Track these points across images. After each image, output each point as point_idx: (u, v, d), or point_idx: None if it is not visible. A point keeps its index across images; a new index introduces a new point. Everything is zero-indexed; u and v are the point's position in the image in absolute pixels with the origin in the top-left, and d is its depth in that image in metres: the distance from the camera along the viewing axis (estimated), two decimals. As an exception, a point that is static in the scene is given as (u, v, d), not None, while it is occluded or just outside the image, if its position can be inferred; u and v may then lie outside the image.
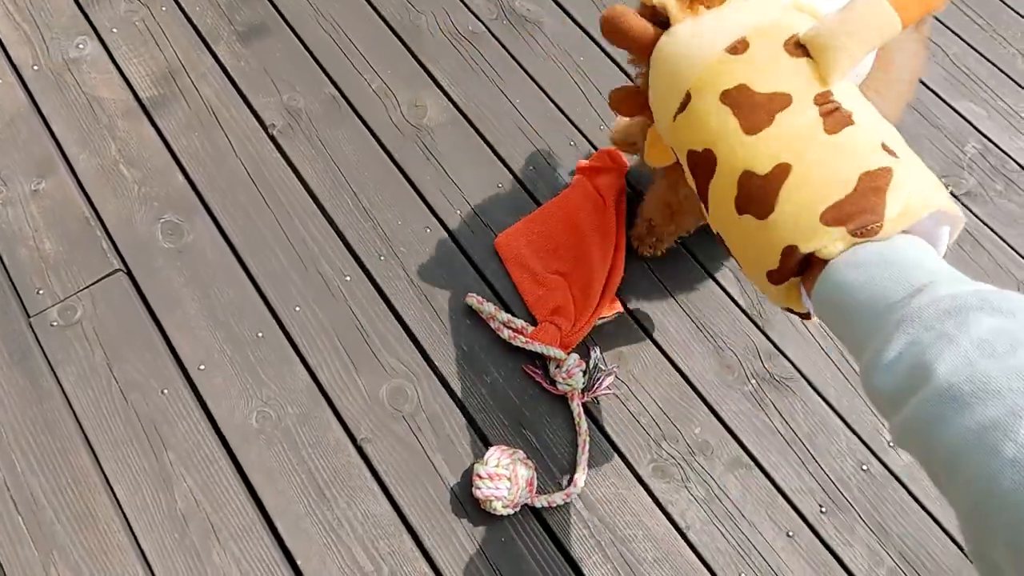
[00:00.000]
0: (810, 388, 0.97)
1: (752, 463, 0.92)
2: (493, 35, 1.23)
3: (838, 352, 1.00)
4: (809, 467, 0.92)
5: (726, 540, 0.88)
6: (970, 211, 1.13)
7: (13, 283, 0.99)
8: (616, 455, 0.92)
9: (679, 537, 0.88)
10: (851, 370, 0.99)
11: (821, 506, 0.90)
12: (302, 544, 0.85)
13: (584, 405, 0.93)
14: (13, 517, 0.85)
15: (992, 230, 1.11)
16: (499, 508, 0.84)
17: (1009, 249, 1.10)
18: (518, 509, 0.86)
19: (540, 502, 0.86)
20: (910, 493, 0.91)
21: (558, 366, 0.93)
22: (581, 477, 0.89)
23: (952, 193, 1.14)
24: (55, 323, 0.96)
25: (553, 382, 0.93)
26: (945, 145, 1.19)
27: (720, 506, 0.90)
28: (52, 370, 0.93)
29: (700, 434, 0.94)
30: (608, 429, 0.93)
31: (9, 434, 0.90)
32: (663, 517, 0.89)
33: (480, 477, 0.84)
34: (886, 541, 0.89)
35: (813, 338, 1.01)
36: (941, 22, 1.32)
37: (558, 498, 0.87)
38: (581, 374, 0.92)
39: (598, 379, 0.94)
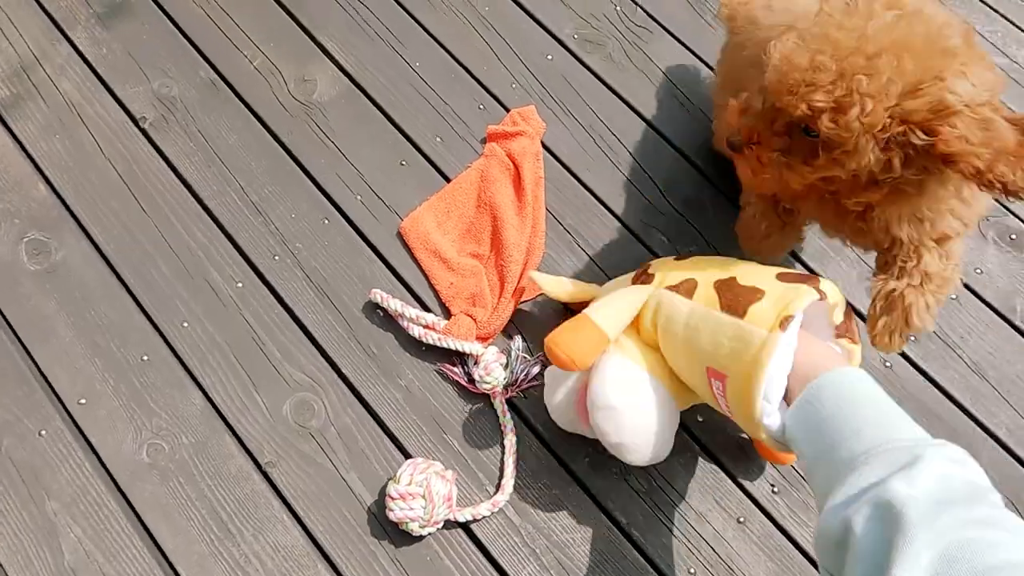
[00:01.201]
0: (756, 356, 0.89)
1: (697, 446, 0.85)
2: (387, -8, 1.10)
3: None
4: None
5: (672, 534, 0.81)
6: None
7: None
8: (548, 452, 0.84)
9: (621, 536, 0.81)
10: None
11: (773, 486, 0.83)
12: (208, 586, 0.77)
13: (510, 401, 0.85)
14: None
15: (948, 160, 1.02)
16: (416, 529, 0.76)
17: (966, 180, 1.00)
18: (440, 526, 0.78)
19: (464, 515, 0.78)
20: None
21: (476, 362, 0.84)
22: (509, 482, 0.81)
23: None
24: (-88, 368, 0.86)
25: (472, 380, 0.84)
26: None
27: (664, 497, 0.82)
28: (-86, 421, 0.84)
29: (639, 419, 0.85)
30: (539, 425, 0.85)
31: None
32: (603, 516, 0.81)
33: (392, 498, 0.76)
34: (845, 516, 0.82)
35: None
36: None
37: (484, 509, 0.79)
38: (501, 368, 0.84)
39: (523, 371, 0.85)
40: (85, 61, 1.04)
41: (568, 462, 0.83)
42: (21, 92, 1.01)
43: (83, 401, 0.85)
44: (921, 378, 0.89)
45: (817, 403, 0.58)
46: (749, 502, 0.82)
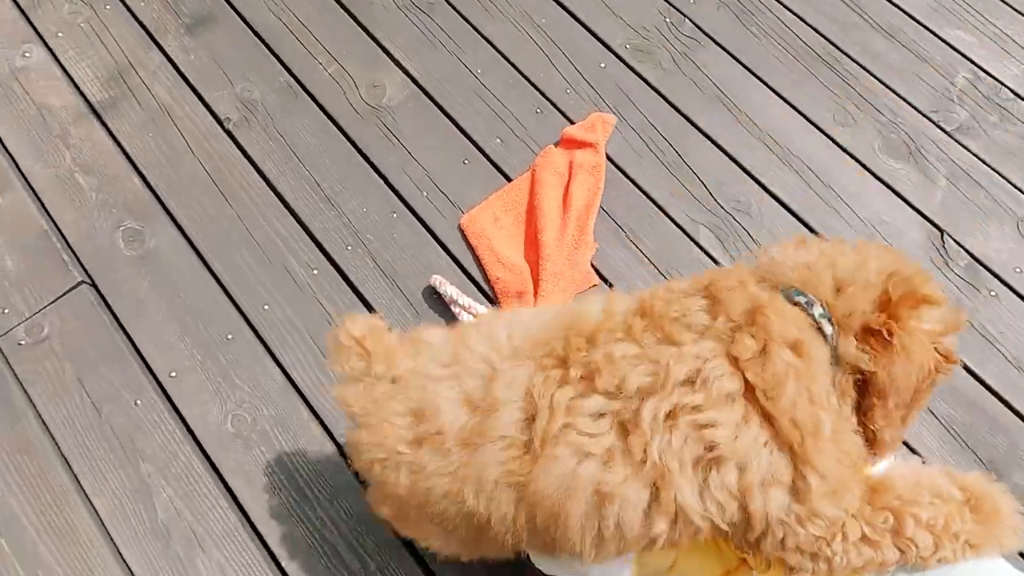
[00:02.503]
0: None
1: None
2: (448, 2, 1.18)
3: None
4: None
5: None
6: (963, 146, 1.07)
7: (-23, 304, 0.97)
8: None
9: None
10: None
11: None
12: (287, 546, 0.84)
13: None
14: (-5, 540, 0.85)
15: (987, 164, 1.06)
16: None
17: (1006, 183, 1.04)
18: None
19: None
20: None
21: None
22: None
23: (942, 129, 1.08)
24: (23, 342, 0.94)
25: None
26: (934, 78, 1.12)
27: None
28: (23, 389, 0.92)
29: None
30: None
31: (-15, 457, 0.89)
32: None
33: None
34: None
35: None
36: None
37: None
38: None
39: None
40: (175, 67, 1.13)
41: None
42: (118, 95, 1.11)
43: (173, 375, 0.93)
44: (963, 371, 0.92)
45: None
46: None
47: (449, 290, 0.93)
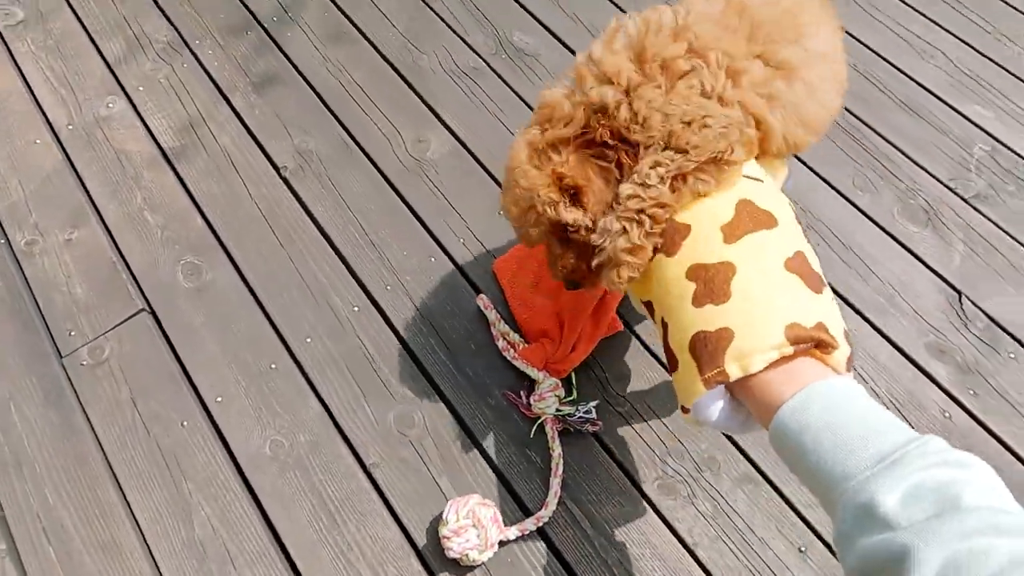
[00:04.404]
0: (819, 400, 0.96)
1: (761, 478, 0.91)
2: (493, 69, 1.28)
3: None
4: (820, 480, 0.91)
5: (735, 556, 0.87)
6: (980, 213, 1.11)
7: (48, 326, 1.06)
8: (621, 472, 0.92)
9: (687, 554, 0.87)
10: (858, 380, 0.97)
11: (834, 520, 0.88)
12: (314, 568, 0.87)
13: (566, 430, 0.93)
14: (44, 547, 0.90)
15: (1005, 231, 1.09)
16: (477, 557, 0.84)
17: (1023, 249, 1.07)
18: (495, 548, 0.85)
19: (512, 533, 0.86)
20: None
21: (533, 388, 0.94)
22: (553, 500, 0.89)
23: (960, 196, 1.12)
24: (85, 362, 1.02)
25: (529, 404, 0.94)
26: (952, 149, 1.17)
27: (729, 522, 0.89)
28: (82, 408, 0.99)
29: (707, 449, 0.93)
30: (612, 446, 0.93)
31: (43, 469, 0.95)
32: (670, 534, 0.88)
33: (447, 538, 0.84)
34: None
35: (821, 349, 1.00)
36: (942, 27, 1.31)
37: (529, 524, 0.87)
38: (555, 399, 0.92)
39: (580, 420, 0.92)
40: (240, 120, 1.24)
41: (640, 483, 0.91)
42: (188, 143, 1.22)
43: (219, 400, 0.99)
44: (981, 431, 0.93)
45: (802, 416, 0.55)
46: (810, 533, 0.88)
47: (491, 314, 0.99)
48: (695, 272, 0.61)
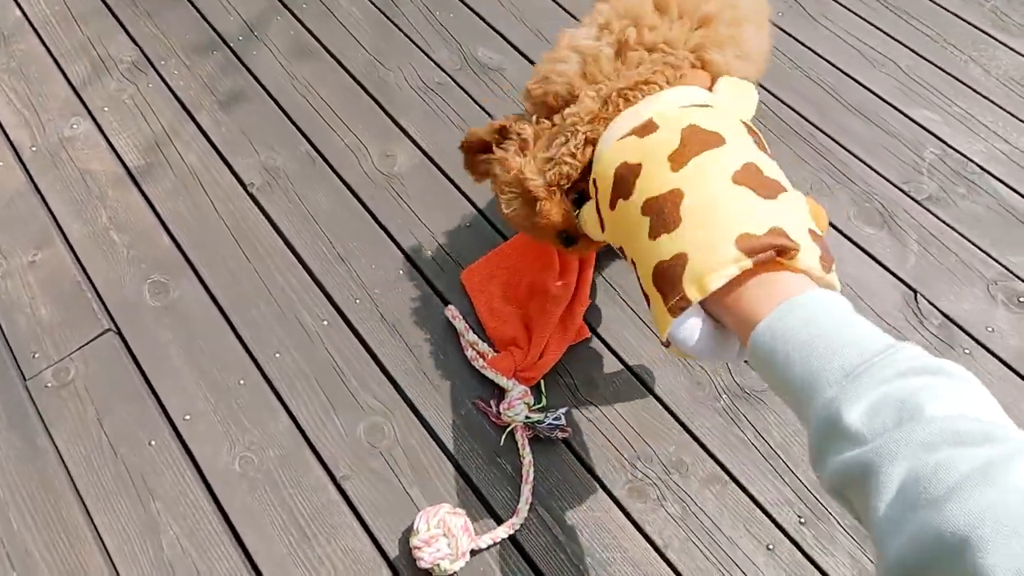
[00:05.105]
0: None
1: (728, 478, 0.93)
2: (458, 84, 1.30)
3: (809, 362, 1.01)
4: (786, 478, 0.92)
5: (705, 557, 0.88)
6: (933, 214, 1.14)
7: (11, 349, 1.04)
8: (591, 477, 0.93)
9: (658, 557, 0.88)
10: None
11: (800, 517, 0.90)
12: (285, 584, 0.87)
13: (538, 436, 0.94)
14: (8, 573, 0.88)
15: (957, 232, 1.12)
16: (449, 567, 0.84)
17: (975, 249, 1.11)
18: (467, 558, 0.85)
19: (484, 541, 0.86)
20: (891, 498, 0.90)
21: (503, 396, 0.95)
22: (524, 508, 0.89)
23: (912, 198, 1.16)
24: (49, 384, 1.01)
25: (498, 413, 0.95)
26: (903, 153, 1.21)
27: (698, 523, 0.90)
28: (47, 429, 0.98)
29: (674, 452, 0.94)
30: (581, 452, 0.94)
31: (6, 492, 0.93)
32: (640, 537, 0.89)
33: (419, 548, 0.83)
34: (869, 548, 0.88)
35: (783, 350, 1.02)
36: (892, 36, 1.36)
37: (501, 532, 0.87)
38: (524, 407, 0.93)
39: (550, 427, 0.93)
40: (206, 137, 1.24)
41: (610, 487, 0.92)
42: (153, 162, 1.22)
43: (187, 417, 0.98)
44: (939, 424, 0.96)
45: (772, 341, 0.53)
46: (777, 531, 0.89)
47: (459, 324, 1.00)
48: (648, 206, 0.61)
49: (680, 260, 0.58)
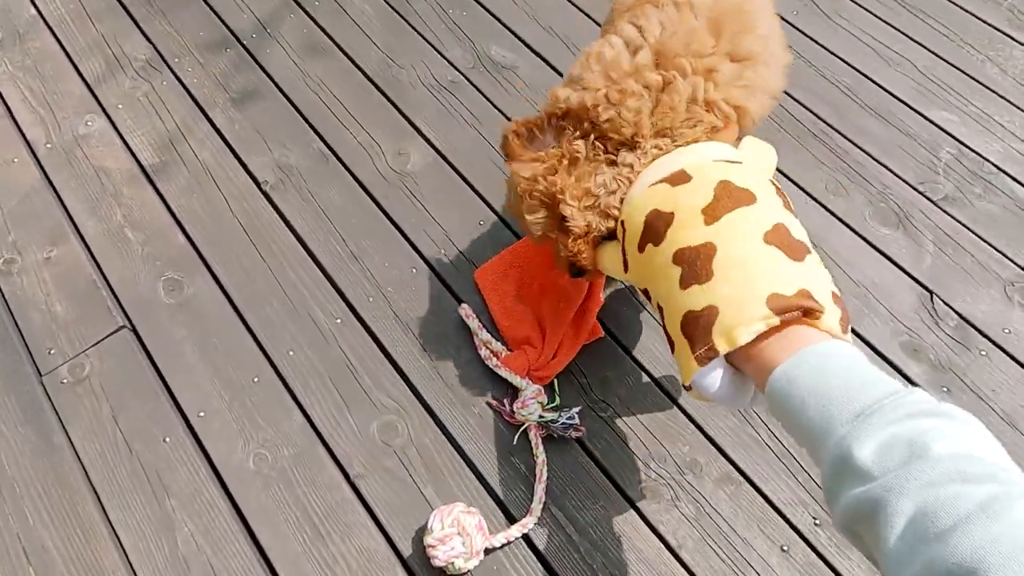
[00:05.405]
0: (798, 400, 0.97)
1: (742, 478, 0.92)
2: (471, 83, 1.30)
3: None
4: (800, 479, 0.92)
5: (720, 558, 0.87)
6: (949, 215, 1.14)
7: (27, 345, 1.05)
8: (604, 477, 0.93)
9: (672, 557, 0.88)
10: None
11: (815, 518, 0.89)
12: (299, 582, 0.87)
13: (551, 436, 0.94)
14: (25, 568, 0.89)
15: (974, 232, 1.12)
16: (463, 566, 0.83)
17: (992, 249, 1.10)
18: (481, 556, 0.85)
19: (498, 540, 0.86)
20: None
21: (516, 395, 0.95)
22: (537, 507, 0.89)
23: (929, 198, 1.15)
24: (65, 380, 1.01)
25: (512, 412, 0.95)
26: (920, 153, 1.20)
27: (712, 523, 0.89)
28: (62, 425, 0.98)
29: (688, 452, 0.94)
30: (595, 451, 0.94)
31: (22, 488, 0.94)
32: (655, 538, 0.89)
33: (433, 547, 0.83)
34: (884, 551, 0.87)
35: (798, 351, 1.02)
36: (908, 36, 1.35)
37: (515, 531, 0.87)
38: (538, 406, 0.93)
39: (563, 426, 0.93)
40: (220, 135, 1.25)
41: (625, 488, 0.92)
42: (168, 160, 1.22)
43: (202, 414, 0.98)
44: (955, 427, 0.95)
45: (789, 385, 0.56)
46: (792, 532, 0.89)
47: (473, 323, 1.00)
48: (680, 256, 0.64)
49: (711, 312, 0.60)
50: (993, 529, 0.39)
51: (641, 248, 0.69)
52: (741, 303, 0.59)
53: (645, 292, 0.72)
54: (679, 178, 0.69)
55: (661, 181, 0.70)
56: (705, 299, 0.61)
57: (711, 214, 0.64)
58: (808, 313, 0.59)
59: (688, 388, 0.66)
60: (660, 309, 0.68)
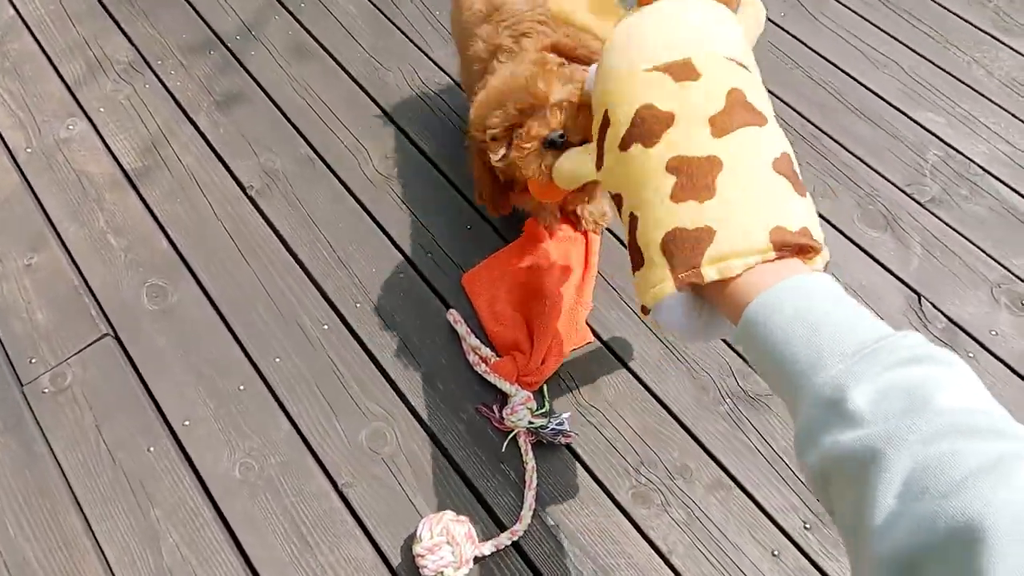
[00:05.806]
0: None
1: (732, 483, 0.92)
2: (458, 85, 1.29)
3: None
4: (791, 483, 0.92)
5: (710, 563, 0.87)
6: (937, 217, 1.14)
7: (7, 354, 1.03)
8: (594, 483, 0.92)
9: (662, 563, 0.87)
10: (827, 383, 0.99)
11: (805, 523, 0.89)
12: (287, 593, 0.86)
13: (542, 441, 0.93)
14: (5, 582, 0.87)
15: (960, 234, 1.12)
16: (453, 574, 0.83)
17: (978, 251, 1.10)
18: (471, 565, 0.85)
19: (488, 548, 0.86)
20: (896, 504, 0.90)
21: (506, 401, 0.94)
22: (527, 513, 0.88)
23: (916, 200, 1.15)
24: (47, 390, 1.00)
25: (501, 418, 0.94)
26: (906, 155, 1.20)
27: (702, 529, 0.89)
28: (44, 435, 0.97)
29: (678, 457, 0.94)
30: (585, 457, 0.94)
31: (2, 500, 0.92)
32: (645, 543, 0.88)
33: (422, 556, 0.83)
34: (874, 554, 0.87)
35: (787, 354, 1.01)
36: (894, 37, 1.35)
37: (504, 539, 0.87)
38: (527, 411, 0.92)
39: (553, 432, 0.92)
40: (204, 139, 1.23)
41: (613, 492, 0.91)
42: (151, 164, 1.21)
43: (187, 423, 0.97)
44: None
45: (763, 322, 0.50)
46: (783, 536, 0.89)
47: (461, 328, 0.99)
48: (677, 164, 0.56)
49: (705, 234, 0.54)
50: (1000, 489, 0.36)
51: (625, 146, 0.60)
52: (742, 230, 0.53)
53: (616, 198, 0.63)
54: (684, 71, 0.58)
55: (659, 69, 0.59)
56: (701, 218, 0.54)
57: (720, 126, 0.56)
58: (803, 251, 0.54)
59: (646, 312, 0.59)
60: (633, 219, 0.59)
